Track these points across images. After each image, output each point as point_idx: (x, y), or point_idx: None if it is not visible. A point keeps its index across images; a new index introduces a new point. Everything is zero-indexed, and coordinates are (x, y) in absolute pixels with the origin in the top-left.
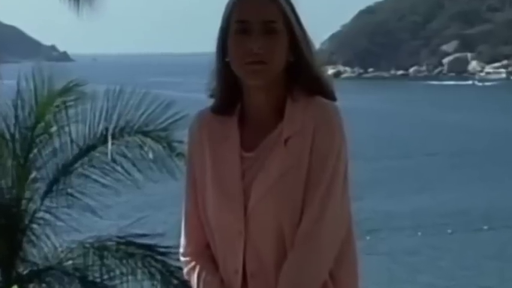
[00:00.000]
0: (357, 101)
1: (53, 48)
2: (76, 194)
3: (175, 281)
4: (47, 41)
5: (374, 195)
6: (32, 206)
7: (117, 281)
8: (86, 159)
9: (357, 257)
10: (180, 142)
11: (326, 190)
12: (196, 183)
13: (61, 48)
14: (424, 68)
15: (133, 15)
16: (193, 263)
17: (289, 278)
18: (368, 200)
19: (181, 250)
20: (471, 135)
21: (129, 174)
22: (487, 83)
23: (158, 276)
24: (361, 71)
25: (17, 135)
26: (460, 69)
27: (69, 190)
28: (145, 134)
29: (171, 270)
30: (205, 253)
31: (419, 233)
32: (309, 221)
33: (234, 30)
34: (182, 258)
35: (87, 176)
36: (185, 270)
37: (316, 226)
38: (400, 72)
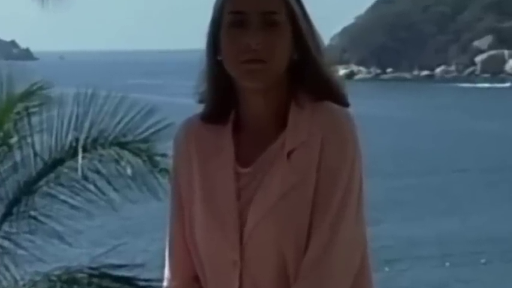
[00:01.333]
0: (373, 106)
1: (12, 44)
2: (40, 217)
3: None
4: (5, 36)
5: (394, 219)
6: None
7: None
8: (52, 175)
9: None
10: (164, 156)
11: (337, 212)
12: (183, 204)
13: (22, 44)
14: (453, 67)
15: (107, 7)
16: None
17: None
18: (387, 224)
19: (164, 284)
20: (509, 147)
21: (103, 193)
22: None
23: None
24: (379, 71)
25: None
26: (495, 69)
27: (32, 213)
28: (123, 146)
29: None
30: (194, 287)
31: (447, 264)
32: (316, 248)
33: (228, 22)
34: None
35: (53, 196)
36: None
37: (325, 254)
38: (425, 73)
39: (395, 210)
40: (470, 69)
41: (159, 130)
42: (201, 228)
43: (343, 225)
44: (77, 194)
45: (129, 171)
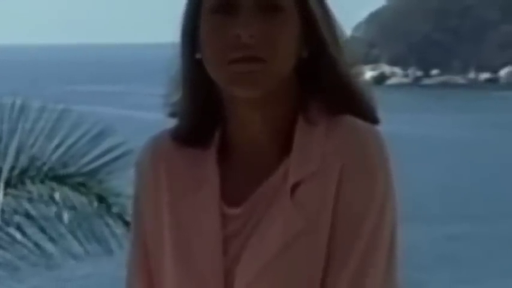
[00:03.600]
0: (412, 123)
1: None
2: None
3: None
4: None
5: (443, 280)
6: None
7: None
8: None
9: None
10: (118, 196)
11: (360, 267)
12: (150, 254)
13: None
14: None
15: None
16: None
17: None
18: (430, 286)
19: None
20: None
21: (35, 245)
22: None
23: None
24: (420, 73)
25: None
26: None
27: None
28: (62, 180)
29: None
30: None
31: None
32: None
33: (211, 6)
34: None
35: None
36: None
37: None
38: (485, 76)
39: (444, 268)
40: None
41: (113, 159)
42: None
43: (368, 284)
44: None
45: (65, 216)
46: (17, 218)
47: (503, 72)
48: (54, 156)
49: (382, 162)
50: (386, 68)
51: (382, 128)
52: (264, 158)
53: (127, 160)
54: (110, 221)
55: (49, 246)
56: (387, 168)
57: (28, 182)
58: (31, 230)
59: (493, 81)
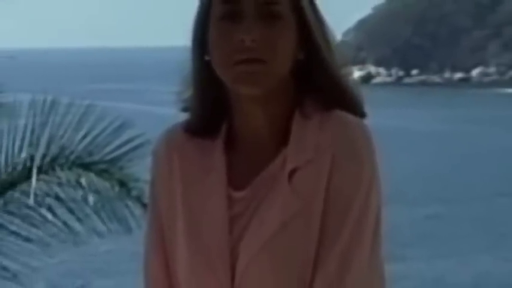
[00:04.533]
0: (395, 117)
1: None
2: None
3: None
4: None
5: (421, 256)
6: None
7: None
8: (1, 202)
9: None
10: (137, 181)
11: (348, 244)
12: (165, 234)
13: None
14: (493, 69)
15: None
16: None
17: None
18: (412, 262)
19: None
20: None
21: (64, 224)
22: None
23: None
24: (402, 73)
25: None
26: None
27: None
28: (88, 167)
29: None
30: None
31: None
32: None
33: (218, 14)
34: None
35: (3, 227)
36: None
37: None
38: (459, 75)
39: (422, 245)
40: None
41: (133, 149)
42: (184, 266)
43: (355, 263)
44: (32, 225)
45: (90, 199)
46: (48, 200)
47: (474, 72)
48: (81, 146)
49: (369, 152)
50: (372, 69)
51: (368, 121)
52: (265, 148)
53: (145, 149)
54: (130, 203)
55: (76, 225)
56: (373, 157)
57: (58, 168)
58: (60, 211)
59: (466, 80)
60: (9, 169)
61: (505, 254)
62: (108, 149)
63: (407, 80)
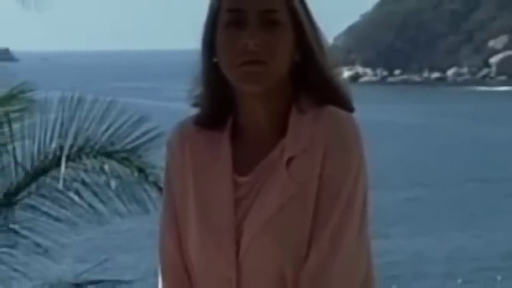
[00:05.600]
0: (379, 112)
1: None
2: (22, 231)
3: None
4: None
5: (402, 233)
6: None
7: None
8: (34, 186)
9: None
10: (154, 167)
11: (339, 224)
12: (178, 213)
13: (1, 44)
14: (465, 69)
15: (93, 5)
16: None
17: None
18: (394, 238)
19: None
20: None
21: (89, 206)
22: None
23: None
24: (386, 73)
25: None
26: (511, 71)
27: (13, 226)
28: (110, 155)
29: None
30: None
31: (460, 281)
32: (315, 263)
33: (225, 21)
34: None
35: (35, 208)
36: None
37: (324, 269)
38: (435, 75)
39: (403, 224)
40: (485, 71)
41: (150, 140)
42: (194, 242)
43: (345, 239)
44: (61, 206)
45: (113, 184)
46: (76, 185)
47: (449, 73)
48: (104, 137)
49: (357, 142)
50: (359, 69)
51: (357, 115)
52: (266, 139)
53: (160, 140)
54: (147, 187)
55: (100, 207)
56: (361, 147)
57: (84, 157)
58: (86, 194)
59: (442, 80)
60: (41, 157)
61: (476, 231)
62: (128, 139)
63: (390, 79)
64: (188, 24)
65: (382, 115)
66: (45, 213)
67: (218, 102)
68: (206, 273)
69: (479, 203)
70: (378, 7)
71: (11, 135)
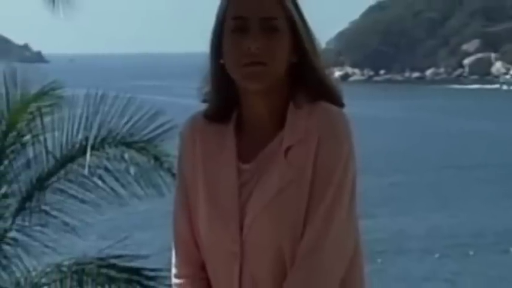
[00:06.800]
0: (366, 107)
1: (25, 47)
2: (52, 211)
3: None
4: (18, 40)
5: (386, 213)
6: (2, 225)
7: None
8: (62, 172)
9: (365, 281)
10: (167, 156)
11: (331, 205)
12: (188, 196)
13: (34, 47)
14: (442, 70)
15: (114, 12)
16: None
17: None
18: (380, 218)
19: (173, 271)
20: (497, 146)
21: (111, 189)
22: None
23: None
24: (372, 73)
25: None
26: (482, 71)
27: (44, 207)
28: (129, 145)
29: None
30: (202, 277)
31: (437, 255)
32: (310, 237)
33: (230, 28)
34: (176, 280)
35: (64, 191)
36: None
37: (318, 243)
38: (416, 74)
39: (387, 205)
40: (459, 71)
41: (164, 131)
42: (204, 221)
43: (336, 218)
44: (87, 190)
45: (132, 170)
46: (99, 171)
47: (428, 72)
48: (124, 129)
49: (347, 134)
50: (349, 69)
51: (346, 110)
52: (267, 130)
53: (173, 132)
54: (162, 173)
55: (121, 190)
56: (350, 137)
57: (106, 146)
58: (108, 179)
59: (421, 79)
60: (69, 147)
61: (450, 212)
62: (145, 131)
63: (376, 79)
64: (198, 31)
65: (368, 110)
66: (72, 196)
67: (224, 99)
68: (214, 248)
69: (454, 187)
70: (364, 15)
71: (43, 128)
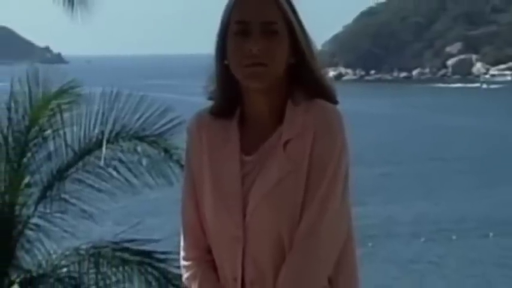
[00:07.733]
0: (358, 104)
1: (46, 49)
2: (71, 200)
3: None
4: (40, 42)
5: (377, 201)
6: (26, 212)
7: None
8: (80, 164)
9: (357, 263)
10: (176, 148)
11: (325, 193)
12: (195, 185)
13: (55, 49)
14: (427, 70)
15: (128, 17)
16: (194, 270)
17: (288, 281)
18: (371, 205)
19: (182, 254)
20: (478, 140)
21: (125, 179)
22: (492, 86)
23: (155, 284)
24: (363, 73)
25: (10, 139)
26: (464, 72)
27: (64, 195)
28: (142, 139)
29: (168, 278)
30: (208, 259)
31: (423, 239)
32: (307, 222)
33: (233, 31)
34: (184, 263)
35: (82, 181)
36: (185, 275)
37: (314, 228)
38: (403, 74)
39: (378, 194)
40: (443, 71)
41: (173, 126)
42: (209, 208)
43: (331, 205)
44: (102, 180)
45: (144, 161)
46: (114, 162)
47: (415, 72)
48: (137, 124)
49: (340, 129)
50: (342, 70)
51: (340, 107)
52: (267, 126)
53: (182, 127)
54: (171, 165)
55: (134, 180)
56: (343, 132)
57: (121, 140)
58: (122, 170)
59: (409, 78)
60: (87, 140)
61: (435, 200)
62: (156, 126)
63: (367, 78)
64: (204, 34)
65: (360, 107)
66: (89, 185)
67: (228, 96)
68: (219, 233)
69: (438, 178)
70: (357, 20)
71: (62, 123)
